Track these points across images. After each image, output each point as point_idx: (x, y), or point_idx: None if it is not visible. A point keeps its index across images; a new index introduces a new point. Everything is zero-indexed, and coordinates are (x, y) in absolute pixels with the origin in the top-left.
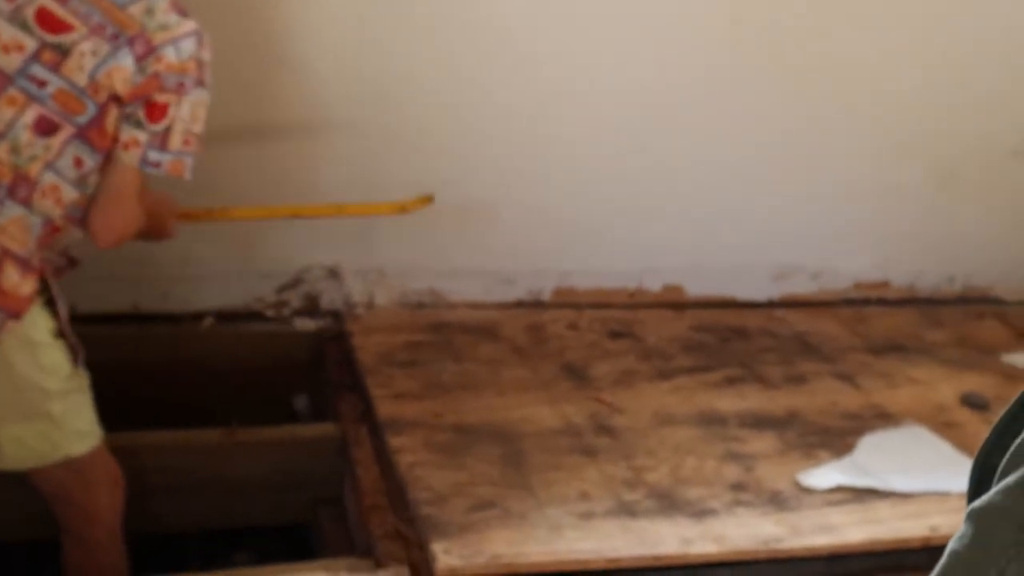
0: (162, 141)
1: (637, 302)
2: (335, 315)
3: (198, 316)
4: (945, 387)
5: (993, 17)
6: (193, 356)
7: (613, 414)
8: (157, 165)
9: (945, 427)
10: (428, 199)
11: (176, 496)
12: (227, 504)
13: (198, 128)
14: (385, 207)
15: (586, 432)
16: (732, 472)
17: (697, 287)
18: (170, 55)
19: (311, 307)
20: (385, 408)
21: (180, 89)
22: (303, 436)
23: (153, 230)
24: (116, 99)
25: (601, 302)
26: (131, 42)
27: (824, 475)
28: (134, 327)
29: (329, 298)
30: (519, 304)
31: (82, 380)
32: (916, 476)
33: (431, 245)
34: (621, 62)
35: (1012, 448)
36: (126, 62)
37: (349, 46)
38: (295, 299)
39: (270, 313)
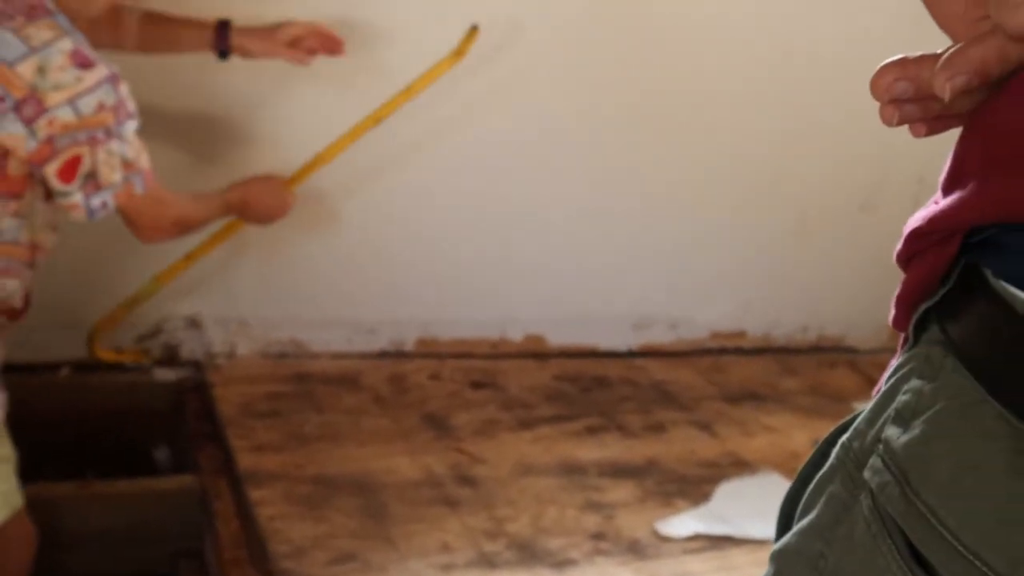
0: (93, 185)
1: (500, 352)
2: (196, 365)
3: (55, 366)
4: (799, 434)
5: (846, 77)
6: (49, 407)
7: (474, 464)
8: (104, 206)
9: None
10: (475, 30)
11: None
12: (84, 558)
13: (133, 152)
14: (444, 65)
15: (447, 483)
16: (592, 521)
17: (559, 337)
18: (66, 115)
19: (171, 357)
20: (246, 460)
21: (93, 142)
22: (161, 488)
23: (258, 216)
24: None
25: (464, 352)
26: (19, 106)
27: (682, 523)
28: None
29: (189, 348)
30: (382, 354)
31: (5, 446)
32: (771, 522)
33: (293, 295)
34: (481, 113)
35: (806, 493)
36: (14, 129)
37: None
38: (155, 349)
39: (129, 363)
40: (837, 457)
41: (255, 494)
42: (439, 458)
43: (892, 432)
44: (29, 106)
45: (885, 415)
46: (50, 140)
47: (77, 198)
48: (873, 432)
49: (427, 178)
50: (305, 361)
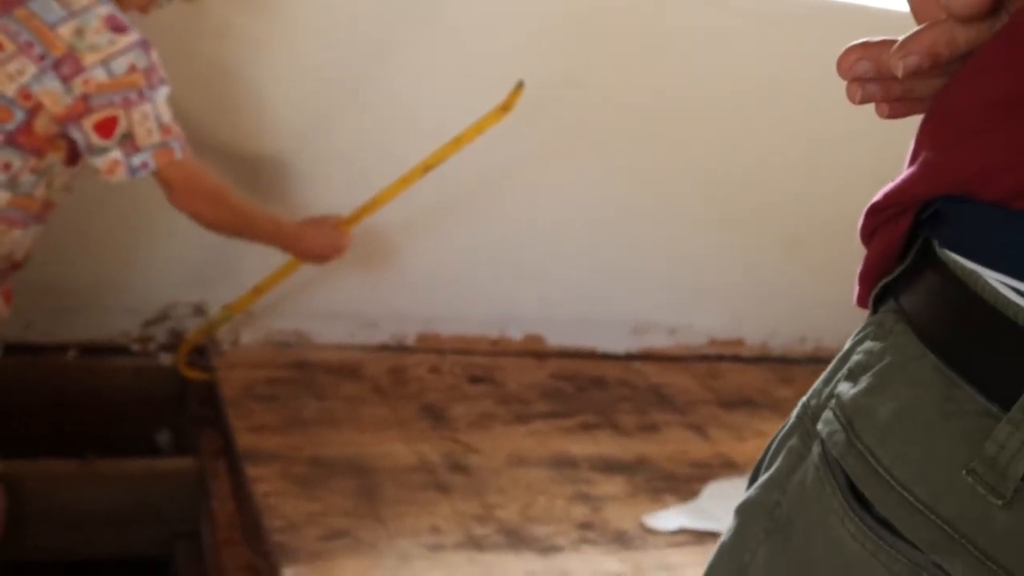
0: (131, 145)
1: (499, 350)
2: (200, 351)
3: (61, 348)
4: None
5: (840, 95)
6: (55, 388)
7: (468, 453)
8: (145, 166)
9: None
10: (520, 86)
11: (30, 526)
12: (83, 536)
13: (168, 117)
14: (491, 118)
15: (440, 469)
16: (580, 512)
17: (558, 338)
18: (99, 75)
19: (176, 343)
20: (244, 439)
21: (127, 103)
22: (161, 469)
23: (311, 254)
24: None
25: (464, 348)
26: (57, 64)
27: (668, 517)
28: None
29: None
30: (383, 347)
31: None
32: None
33: (298, 287)
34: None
35: (769, 452)
36: (52, 85)
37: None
38: (160, 334)
39: (135, 347)
40: (797, 415)
41: (252, 471)
42: (434, 446)
43: (843, 387)
44: (67, 65)
45: (839, 374)
46: (85, 98)
47: (116, 155)
48: (828, 389)
49: (432, 179)
50: (307, 351)
